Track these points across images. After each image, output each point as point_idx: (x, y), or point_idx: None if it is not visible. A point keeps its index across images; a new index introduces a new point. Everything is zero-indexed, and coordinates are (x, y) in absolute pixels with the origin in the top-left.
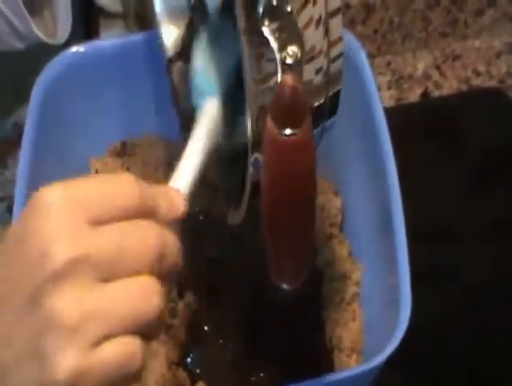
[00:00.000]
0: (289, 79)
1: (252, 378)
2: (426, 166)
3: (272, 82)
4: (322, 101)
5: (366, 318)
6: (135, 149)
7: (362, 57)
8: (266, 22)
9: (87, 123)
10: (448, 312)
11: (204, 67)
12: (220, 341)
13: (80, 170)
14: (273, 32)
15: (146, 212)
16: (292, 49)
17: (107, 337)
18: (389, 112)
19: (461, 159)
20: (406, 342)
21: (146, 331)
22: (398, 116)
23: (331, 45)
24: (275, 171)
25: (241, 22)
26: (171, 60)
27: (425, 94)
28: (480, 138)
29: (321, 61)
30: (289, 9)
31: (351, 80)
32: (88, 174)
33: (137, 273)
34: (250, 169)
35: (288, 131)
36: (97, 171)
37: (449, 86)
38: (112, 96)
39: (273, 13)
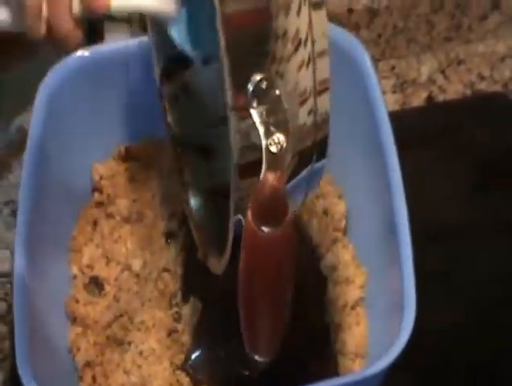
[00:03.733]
0: (270, 177)
1: (255, 384)
2: (430, 170)
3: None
4: (310, 144)
5: (370, 323)
6: (139, 153)
7: (366, 61)
8: (255, 104)
9: (91, 127)
10: (454, 316)
11: None
12: (223, 347)
13: (83, 173)
14: (260, 115)
15: None
16: (278, 137)
17: None
18: (393, 116)
19: (466, 163)
20: (415, 344)
21: None
22: (402, 120)
23: (319, 85)
24: (252, 265)
25: (230, 100)
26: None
27: (429, 98)
28: (484, 142)
29: (311, 102)
30: (278, 92)
31: (355, 84)
32: (92, 178)
33: None
34: (232, 227)
35: (266, 229)
36: (100, 176)
37: (453, 90)
38: (116, 100)
39: (261, 95)
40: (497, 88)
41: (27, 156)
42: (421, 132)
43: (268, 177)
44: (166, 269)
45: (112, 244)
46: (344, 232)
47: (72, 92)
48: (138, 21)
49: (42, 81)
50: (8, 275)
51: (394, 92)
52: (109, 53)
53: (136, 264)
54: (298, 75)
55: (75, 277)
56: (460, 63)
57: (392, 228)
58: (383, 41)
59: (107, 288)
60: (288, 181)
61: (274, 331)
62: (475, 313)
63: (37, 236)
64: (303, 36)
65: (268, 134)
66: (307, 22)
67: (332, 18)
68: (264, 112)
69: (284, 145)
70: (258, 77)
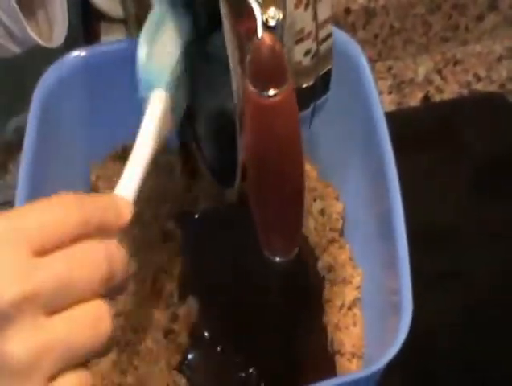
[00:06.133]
0: (267, 37)
1: (253, 385)
2: (427, 171)
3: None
4: (311, 83)
5: (367, 323)
6: None
7: (363, 62)
8: None
9: (87, 127)
10: (452, 317)
11: (149, 55)
12: (220, 347)
13: (80, 174)
14: None
15: (91, 229)
16: (273, 10)
17: (61, 370)
18: (390, 116)
19: (462, 163)
20: (411, 345)
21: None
22: (399, 120)
23: (319, 27)
24: (258, 135)
25: None
26: None
27: (426, 99)
28: (480, 142)
29: (310, 44)
30: None
31: (352, 84)
32: (89, 178)
33: (86, 299)
34: (240, 144)
35: (268, 92)
36: (97, 176)
37: (450, 91)
38: (112, 100)
39: None
40: (494, 88)
41: (24, 157)
42: (417, 132)
43: (265, 37)
44: (162, 270)
45: None
46: (341, 232)
47: (68, 92)
48: (134, 21)
49: (38, 81)
50: None
51: (390, 92)
52: (105, 53)
53: (133, 265)
54: (294, 13)
55: None
56: (456, 63)
57: (389, 229)
58: (380, 41)
59: None
60: None
61: (290, 224)
62: (472, 314)
63: None
64: None
65: (264, 10)
66: None
67: None
68: None
69: (280, 16)
70: None
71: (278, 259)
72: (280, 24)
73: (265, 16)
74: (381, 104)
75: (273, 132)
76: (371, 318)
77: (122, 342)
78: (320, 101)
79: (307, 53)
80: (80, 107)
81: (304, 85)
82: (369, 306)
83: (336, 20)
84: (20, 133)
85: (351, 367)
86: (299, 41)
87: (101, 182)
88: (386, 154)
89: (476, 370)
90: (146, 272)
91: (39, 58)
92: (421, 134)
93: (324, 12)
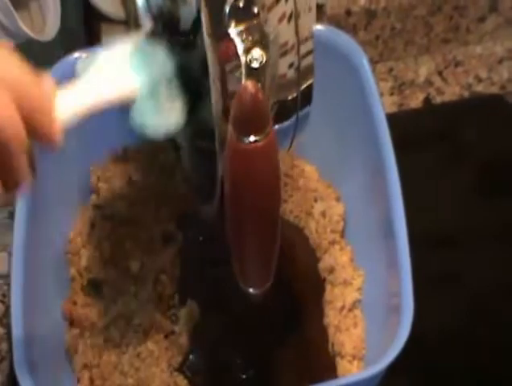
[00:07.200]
0: (249, 85)
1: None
2: (428, 172)
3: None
4: (295, 95)
5: (368, 325)
6: (137, 155)
7: (364, 63)
8: (233, 24)
9: (88, 129)
10: (454, 319)
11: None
12: (221, 349)
13: (81, 175)
14: (239, 34)
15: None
16: (257, 52)
17: None
18: (391, 118)
19: (463, 165)
20: (412, 346)
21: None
22: (399, 122)
23: (301, 42)
24: (237, 177)
25: (206, 25)
26: None
27: (427, 100)
28: (481, 144)
29: (293, 57)
30: (256, 10)
31: (353, 86)
32: (89, 180)
33: None
34: (220, 168)
35: (250, 138)
36: (98, 178)
37: (451, 92)
38: None
39: (239, 14)
40: (495, 89)
41: None
42: (418, 134)
43: (247, 84)
44: (163, 271)
45: (109, 246)
46: (342, 234)
47: None
48: (135, 23)
49: None
50: (6, 277)
51: (391, 93)
52: None
53: (134, 266)
54: (279, 26)
55: (73, 279)
56: (457, 64)
57: (389, 230)
58: (381, 43)
59: (105, 290)
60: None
61: (264, 258)
62: (473, 315)
63: (35, 238)
64: None
65: (247, 51)
66: None
67: (330, 19)
68: (243, 31)
69: (264, 59)
70: None
71: (252, 290)
72: (263, 66)
73: (249, 57)
74: (382, 105)
75: (252, 176)
76: (372, 319)
77: (123, 343)
78: (320, 102)
79: (290, 66)
80: None
81: (289, 97)
82: (370, 308)
83: (337, 21)
84: None
85: (352, 369)
86: (283, 54)
87: (101, 183)
88: (387, 156)
89: (477, 372)
90: (147, 273)
91: (40, 59)
92: (422, 136)
93: (306, 29)
